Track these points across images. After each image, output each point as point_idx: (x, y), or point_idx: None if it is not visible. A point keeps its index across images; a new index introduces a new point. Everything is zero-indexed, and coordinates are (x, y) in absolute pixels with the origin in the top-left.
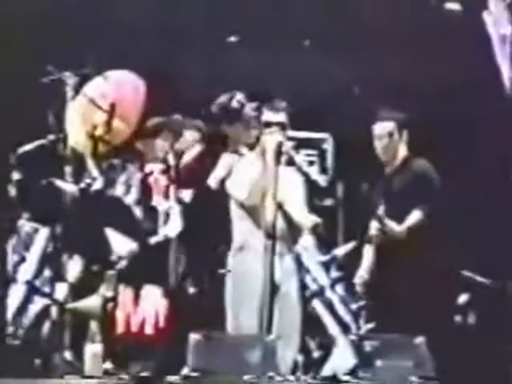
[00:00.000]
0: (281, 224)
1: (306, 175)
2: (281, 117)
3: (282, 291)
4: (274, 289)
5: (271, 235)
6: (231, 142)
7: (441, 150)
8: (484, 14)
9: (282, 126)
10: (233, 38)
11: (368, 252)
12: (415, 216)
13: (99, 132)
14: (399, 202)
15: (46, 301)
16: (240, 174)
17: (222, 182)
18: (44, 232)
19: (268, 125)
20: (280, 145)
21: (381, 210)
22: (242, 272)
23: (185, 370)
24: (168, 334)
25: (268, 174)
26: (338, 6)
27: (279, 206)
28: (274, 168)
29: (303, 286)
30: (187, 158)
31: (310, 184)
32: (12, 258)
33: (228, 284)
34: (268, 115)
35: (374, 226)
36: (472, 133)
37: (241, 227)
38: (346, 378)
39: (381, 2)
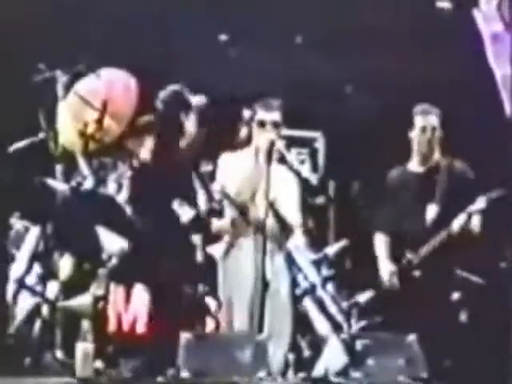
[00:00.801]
0: (272, 222)
1: (297, 174)
2: (275, 115)
3: (272, 289)
4: (264, 287)
5: (262, 233)
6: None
7: None
8: (474, 11)
9: (276, 125)
10: (223, 36)
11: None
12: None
13: (90, 130)
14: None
15: (36, 299)
16: (231, 171)
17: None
18: (35, 230)
19: (262, 124)
20: (272, 143)
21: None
22: (233, 270)
23: (174, 368)
24: (160, 333)
25: (259, 171)
26: (329, 3)
27: (271, 205)
28: (266, 166)
29: (294, 285)
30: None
31: (302, 182)
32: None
33: (221, 282)
34: (262, 114)
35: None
36: (461, 131)
37: None
38: (338, 379)
39: (373, 0)
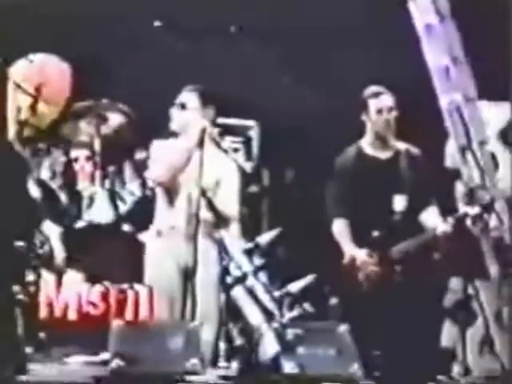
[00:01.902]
0: (205, 210)
1: (234, 161)
2: (207, 100)
3: (203, 278)
4: (195, 275)
5: (193, 220)
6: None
7: None
8: (409, 2)
9: (210, 111)
10: (158, 23)
11: None
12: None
13: (24, 116)
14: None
15: None
16: (164, 159)
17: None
18: None
19: (194, 109)
20: (205, 130)
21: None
22: (163, 257)
23: (106, 356)
24: (91, 319)
25: (191, 158)
26: None
27: (204, 192)
28: (199, 153)
29: (226, 273)
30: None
31: (239, 170)
32: None
33: (149, 269)
34: (193, 99)
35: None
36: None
37: (162, 211)
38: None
39: None
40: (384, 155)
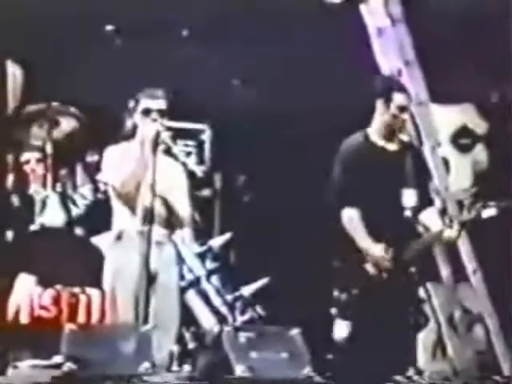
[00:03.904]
0: (160, 213)
1: (184, 165)
2: (160, 103)
3: (160, 281)
4: (150, 278)
5: (147, 224)
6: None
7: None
8: (361, 6)
9: (161, 113)
10: (109, 27)
11: None
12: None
13: None
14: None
15: None
16: (116, 163)
17: None
18: None
19: (147, 112)
20: (158, 134)
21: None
22: (121, 261)
23: (57, 359)
24: (43, 323)
25: (144, 163)
26: None
27: (157, 196)
28: (152, 157)
29: (180, 277)
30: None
31: (188, 174)
32: None
33: (106, 272)
34: (147, 102)
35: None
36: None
37: (118, 215)
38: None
39: None
40: (391, 147)
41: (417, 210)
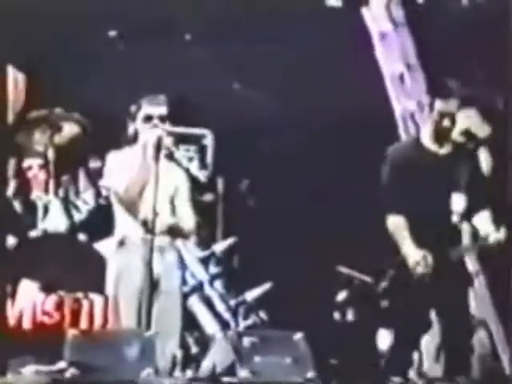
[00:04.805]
0: (162, 219)
1: (186, 171)
2: (161, 109)
3: (162, 286)
4: (153, 283)
5: (150, 230)
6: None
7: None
8: (363, 9)
9: (163, 119)
10: (112, 32)
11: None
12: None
13: None
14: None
15: None
16: (119, 168)
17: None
18: None
19: (149, 118)
20: (160, 139)
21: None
22: (123, 266)
23: (61, 364)
24: (46, 329)
25: (147, 168)
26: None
27: (160, 201)
28: (154, 163)
29: (182, 282)
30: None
31: (191, 180)
32: None
33: (109, 278)
34: (148, 108)
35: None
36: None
37: (121, 222)
38: (224, 377)
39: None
40: (442, 151)
41: (465, 215)
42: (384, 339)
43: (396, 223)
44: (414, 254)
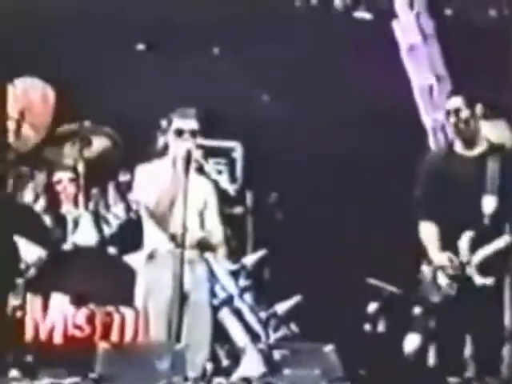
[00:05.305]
0: (191, 233)
1: (215, 184)
2: (192, 124)
3: (192, 299)
4: (183, 297)
5: (180, 244)
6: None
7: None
8: (393, 22)
9: (194, 133)
10: (141, 46)
11: None
12: None
13: (8, 139)
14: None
15: None
16: (149, 182)
17: None
18: None
19: (179, 132)
20: (189, 153)
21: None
22: (153, 280)
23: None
24: (77, 342)
25: (177, 182)
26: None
27: (190, 214)
28: (184, 176)
29: (212, 295)
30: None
31: (220, 193)
32: None
33: (139, 291)
34: (179, 123)
35: None
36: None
37: (151, 235)
38: None
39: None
40: (473, 153)
41: (495, 216)
42: (411, 342)
43: (427, 231)
44: (440, 257)
